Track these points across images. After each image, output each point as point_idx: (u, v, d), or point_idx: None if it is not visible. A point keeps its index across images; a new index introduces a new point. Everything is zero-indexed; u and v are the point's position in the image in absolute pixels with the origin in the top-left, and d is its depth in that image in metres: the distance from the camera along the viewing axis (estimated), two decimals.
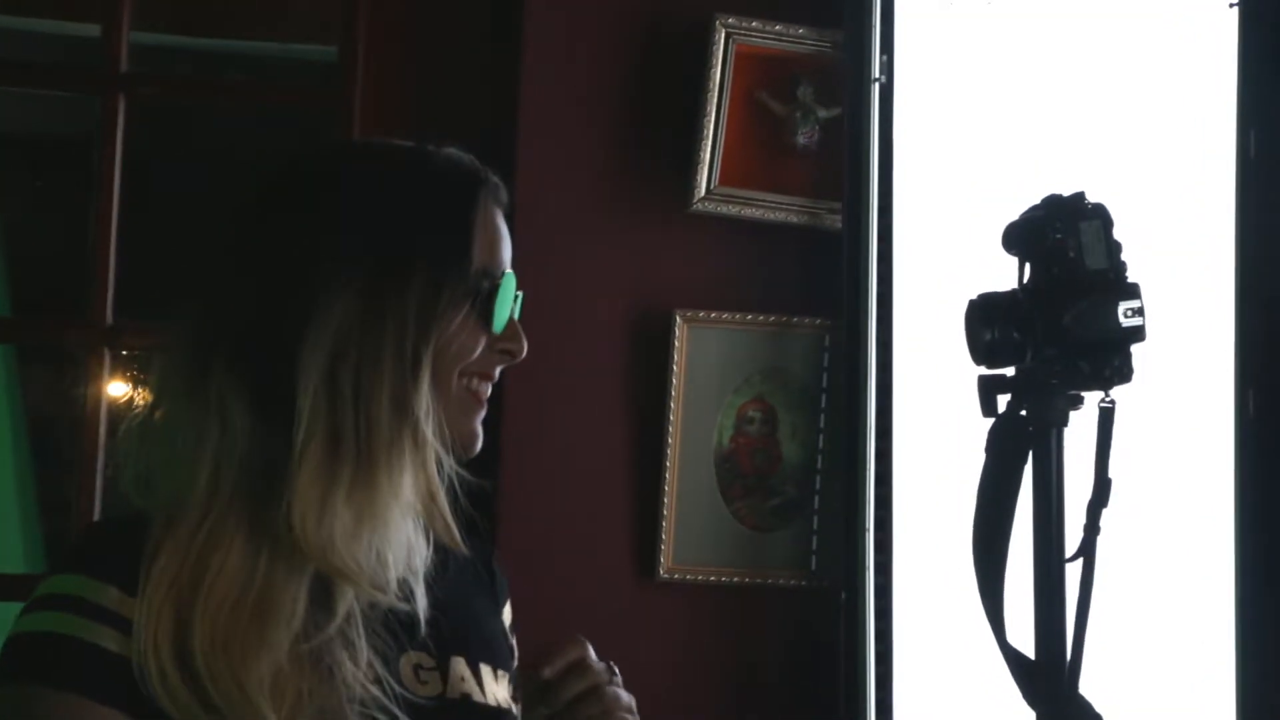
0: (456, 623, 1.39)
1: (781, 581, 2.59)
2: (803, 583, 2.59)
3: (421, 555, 1.32)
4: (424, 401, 1.28)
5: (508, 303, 1.35)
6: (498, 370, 1.37)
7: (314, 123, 3.01)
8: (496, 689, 1.41)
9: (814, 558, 2.59)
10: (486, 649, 1.43)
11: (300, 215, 1.31)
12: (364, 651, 1.28)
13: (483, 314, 1.33)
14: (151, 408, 1.32)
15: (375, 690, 1.27)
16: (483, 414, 1.36)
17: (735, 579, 2.58)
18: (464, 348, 1.32)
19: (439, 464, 1.30)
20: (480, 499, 1.36)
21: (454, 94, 2.68)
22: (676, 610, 2.59)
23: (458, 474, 1.32)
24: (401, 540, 1.30)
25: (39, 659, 1.23)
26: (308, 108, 2.97)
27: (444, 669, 1.36)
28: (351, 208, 1.31)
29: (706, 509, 2.58)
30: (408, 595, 1.30)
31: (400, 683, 1.30)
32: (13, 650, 1.25)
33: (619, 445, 2.60)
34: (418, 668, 1.34)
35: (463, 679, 1.37)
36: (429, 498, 1.30)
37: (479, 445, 1.36)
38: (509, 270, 1.36)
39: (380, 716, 1.27)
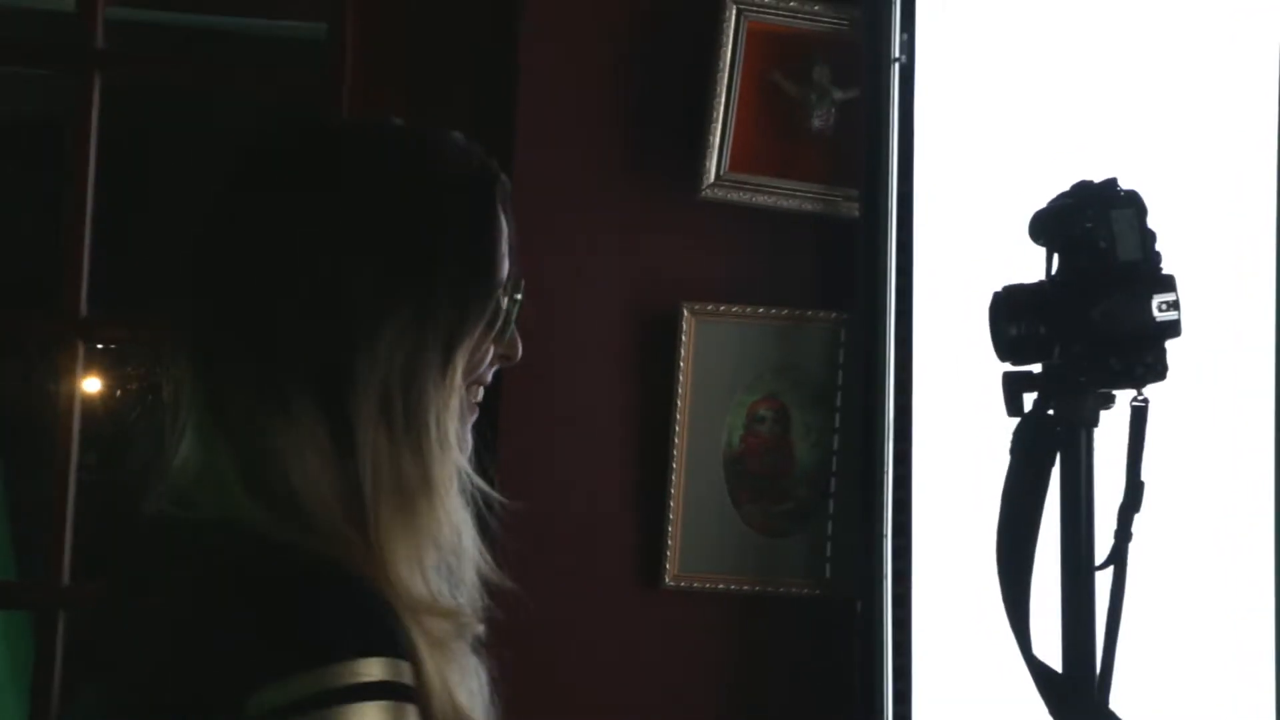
0: None
1: (794, 590, 2.59)
2: (816, 591, 2.59)
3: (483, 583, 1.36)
4: (456, 422, 1.31)
5: (514, 314, 1.38)
6: (491, 375, 1.40)
7: (302, 100, 3.00)
8: None
9: (828, 565, 2.59)
10: None
11: (340, 241, 1.30)
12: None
13: (503, 327, 1.36)
14: (225, 433, 1.29)
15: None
16: (474, 419, 1.39)
17: (745, 587, 2.58)
18: (480, 361, 1.35)
19: (473, 487, 1.34)
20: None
21: (449, 73, 2.68)
22: (683, 620, 2.59)
23: (491, 496, 1.36)
24: (473, 569, 1.34)
25: None
26: (295, 87, 2.96)
27: None
28: (387, 222, 1.30)
29: (715, 513, 2.58)
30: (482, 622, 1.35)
31: None
32: None
33: (622, 446, 2.60)
34: None
35: None
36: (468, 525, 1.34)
37: (468, 452, 1.38)
38: (521, 280, 1.39)
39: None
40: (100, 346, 4.24)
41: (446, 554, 1.30)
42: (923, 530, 2.44)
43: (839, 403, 2.59)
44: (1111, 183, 1.48)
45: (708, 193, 2.58)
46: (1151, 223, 1.47)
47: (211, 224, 1.35)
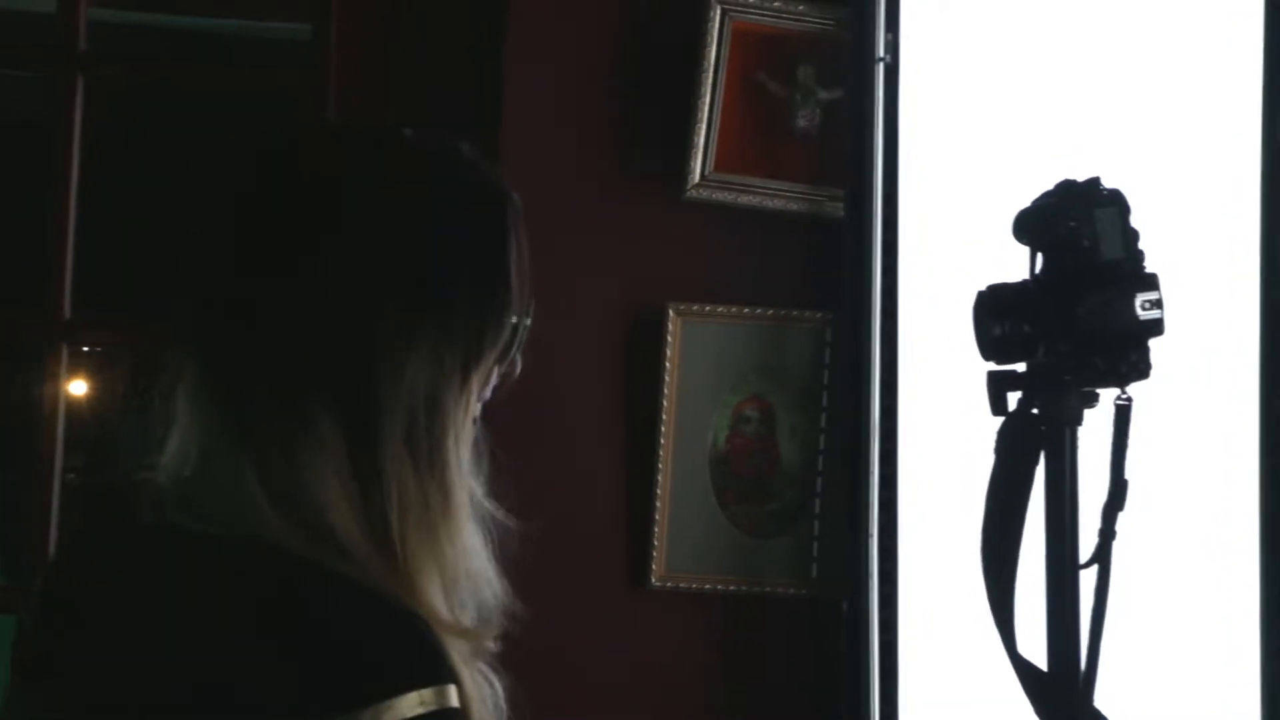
0: None
1: (780, 590, 2.59)
2: (803, 591, 2.59)
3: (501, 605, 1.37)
4: (468, 445, 1.32)
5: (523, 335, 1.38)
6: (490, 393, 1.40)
7: (286, 103, 3.00)
8: None
9: (815, 565, 2.59)
10: None
11: (365, 267, 1.28)
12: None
13: (511, 350, 1.36)
14: (265, 456, 1.27)
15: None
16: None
17: (731, 588, 2.58)
18: (487, 384, 1.36)
19: (485, 508, 1.36)
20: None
21: (434, 74, 2.68)
22: (669, 621, 2.59)
23: (503, 519, 1.38)
24: (492, 592, 1.35)
25: None
26: (280, 88, 2.96)
27: None
28: (411, 247, 1.29)
29: (701, 514, 2.57)
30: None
31: None
32: None
33: (608, 446, 2.60)
34: None
35: None
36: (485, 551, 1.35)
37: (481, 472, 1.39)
38: (531, 301, 1.39)
39: None
40: (87, 349, 4.24)
41: (468, 578, 1.31)
42: (909, 530, 2.44)
43: (825, 403, 2.59)
44: (1094, 182, 1.48)
45: (693, 193, 2.58)
46: (1134, 222, 1.47)
47: (224, 242, 1.33)
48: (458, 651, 1.26)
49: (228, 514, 1.26)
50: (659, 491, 2.57)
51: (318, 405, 1.26)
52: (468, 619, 1.31)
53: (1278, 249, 1.84)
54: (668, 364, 2.57)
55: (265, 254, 1.30)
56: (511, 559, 2.56)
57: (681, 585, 2.57)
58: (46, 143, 2.63)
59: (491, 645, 1.33)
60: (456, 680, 1.22)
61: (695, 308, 2.58)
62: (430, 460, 1.27)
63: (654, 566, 2.56)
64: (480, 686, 1.30)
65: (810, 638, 2.57)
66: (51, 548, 2.53)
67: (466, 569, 1.30)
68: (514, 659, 2.56)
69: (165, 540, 1.29)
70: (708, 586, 2.58)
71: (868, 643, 2.44)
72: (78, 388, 4.78)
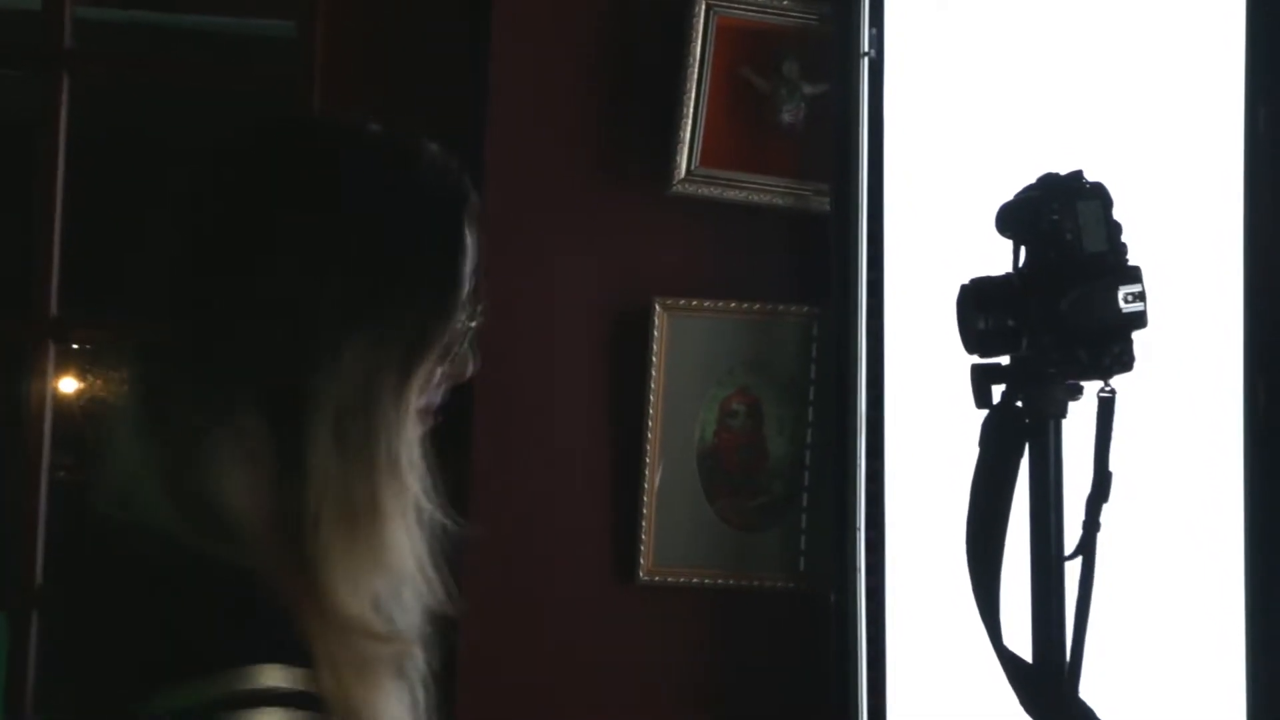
0: None
1: (768, 584, 2.59)
2: (791, 585, 2.59)
3: (426, 609, 1.35)
4: (410, 446, 1.30)
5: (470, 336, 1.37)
6: (441, 394, 1.39)
7: (272, 100, 2.99)
8: None
9: (802, 559, 2.59)
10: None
11: (306, 251, 1.28)
12: None
13: (457, 350, 1.35)
14: (168, 442, 1.28)
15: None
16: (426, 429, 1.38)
17: (719, 581, 2.58)
18: (430, 383, 1.34)
19: (421, 512, 1.32)
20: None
21: (419, 71, 2.68)
22: (658, 615, 2.58)
23: (444, 522, 1.35)
24: (414, 594, 1.32)
25: None
26: (266, 86, 2.96)
27: None
28: (358, 240, 1.29)
29: (688, 508, 2.57)
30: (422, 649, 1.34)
31: None
32: None
33: (595, 441, 2.60)
34: None
35: None
36: (418, 552, 1.32)
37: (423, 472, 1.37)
38: (481, 303, 1.38)
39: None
40: (76, 347, 4.23)
41: (390, 578, 1.28)
42: (896, 523, 2.44)
43: (812, 397, 2.59)
44: (1077, 175, 1.48)
45: (679, 188, 2.58)
46: (1117, 214, 1.47)
47: (174, 233, 1.34)
48: (365, 654, 1.24)
49: (136, 500, 1.28)
50: (646, 486, 2.56)
51: (242, 393, 1.26)
52: (385, 620, 1.28)
53: (1260, 241, 1.84)
54: (654, 359, 2.57)
55: (207, 243, 1.31)
56: (503, 554, 2.57)
57: (669, 580, 2.57)
58: (33, 141, 2.62)
59: (416, 655, 1.31)
60: (305, 665, 1.21)
61: (682, 302, 2.58)
62: (360, 454, 1.26)
63: (642, 561, 2.56)
64: (392, 703, 1.27)
65: (798, 631, 2.57)
66: (40, 545, 2.53)
67: (388, 567, 1.28)
68: (505, 651, 2.57)
69: (98, 533, 1.32)
70: (696, 581, 2.58)
71: (855, 636, 2.44)
72: (69, 386, 4.77)
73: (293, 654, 1.21)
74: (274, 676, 1.20)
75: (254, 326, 1.27)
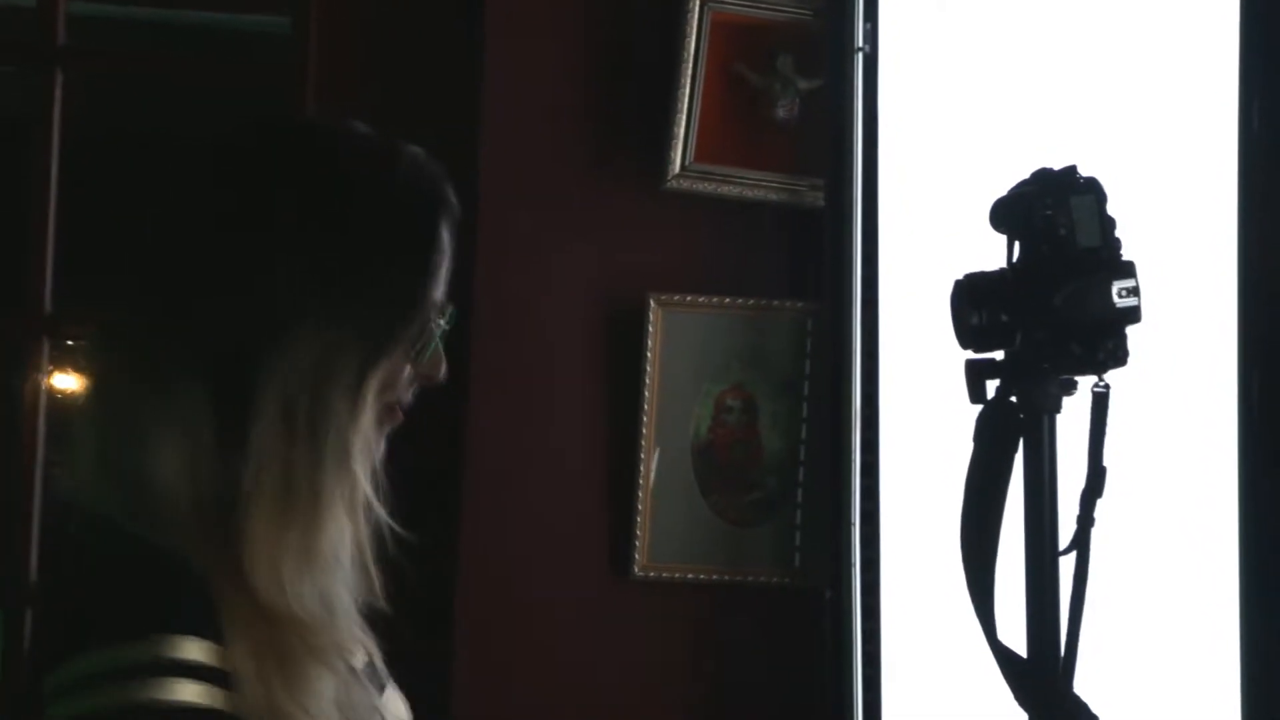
0: None
1: (763, 579, 2.59)
2: (785, 580, 2.59)
3: (360, 601, 1.34)
4: (361, 441, 1.30)
5: (440, 336, 1.37)
6: (411, 394, 1.39)
7: (267, 97, 2.99)
8: None
9: (797, 554, 2.59)
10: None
11: (271, 229, 1.30)
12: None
13: (420, 350, 1.35)
14: (114, 421, 1.30)
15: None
16: (392, 427, 1.38)
17: (714, 577, 2.58)
18: (393, 381, 1.34)
19: (367, 509, 1.32)
20: (407, 540, 1.37)
21: (413, 67, 2.67)
22: (652, 610, 2.59)
23: (387, 523, 1.34)
24: (347, 585, 1.32)
25: None
26: (260, 80, 2.95)
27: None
28: (324, 230, 1.30)
29: (683, 504, 2.57)
30: (352, 640, 1.33)
31: None
32: None
33: (590, 437, 2.60)
34: None
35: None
36: (356, 544, 1.32)
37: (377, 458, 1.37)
38: (452, 307, 1.38)
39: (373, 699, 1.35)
40: (71, 343, 4.22)
41: (322, 567, 1.28)
42: (891, 518, 2.44)
43: (806, 392, 2.59)
44: (1071, 170, 1.47)
45: (673, 184, 2.58)
46: (1111, 209, 1.47)
47: (139, 214, 1.35)
48: (286, 642, 1.24)
49: (80, 481, 1.30)
50: (641, 482, 2.56)
51: (185, 372, 1.26)
52: (314, 611, 1.28)
53: (1255, 235, 1.84)
54: (649, 354, 2.57)
55: (175, 215, 1.33)
56: (498, 549, 2.57)
57: (664, 575, 2.57)
58: (27, 137, 2.62)
59: (347, 650, 1.30)
60: (220, 641, 1.22)
61: (676, 298, 2.58)
62: (307, 440, 1.26)
63: (637, 556, 2.56)
64: (311, 697, 1.26)
65: (793, 626, 2.57)
66: (34, 542, 2.53)
67: (320, 555, 1.28)
68: (500, 646, 2.57)
69: (58, 514, 1.35)
70: (690, 576, 2.58)
71: (850, 631, 2.44)
72: (65, 382, 4.76)
73: (206, 629, 1.22)
74: (186, 649, 1.21)
75: (204, 306, 1.28)
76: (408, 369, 1.35)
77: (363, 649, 1.37)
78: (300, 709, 1.23)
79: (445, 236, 1.36)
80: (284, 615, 1.25)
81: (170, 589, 1.24)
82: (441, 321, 1.36)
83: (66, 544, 1.33)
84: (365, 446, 1.30)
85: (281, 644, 1.24)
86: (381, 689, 1.40)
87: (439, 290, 1.35)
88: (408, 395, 1.38)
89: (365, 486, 1.31)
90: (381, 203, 1.32)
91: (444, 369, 1.38)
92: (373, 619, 1.41)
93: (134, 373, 1.29)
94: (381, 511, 1.33)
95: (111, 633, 1.23)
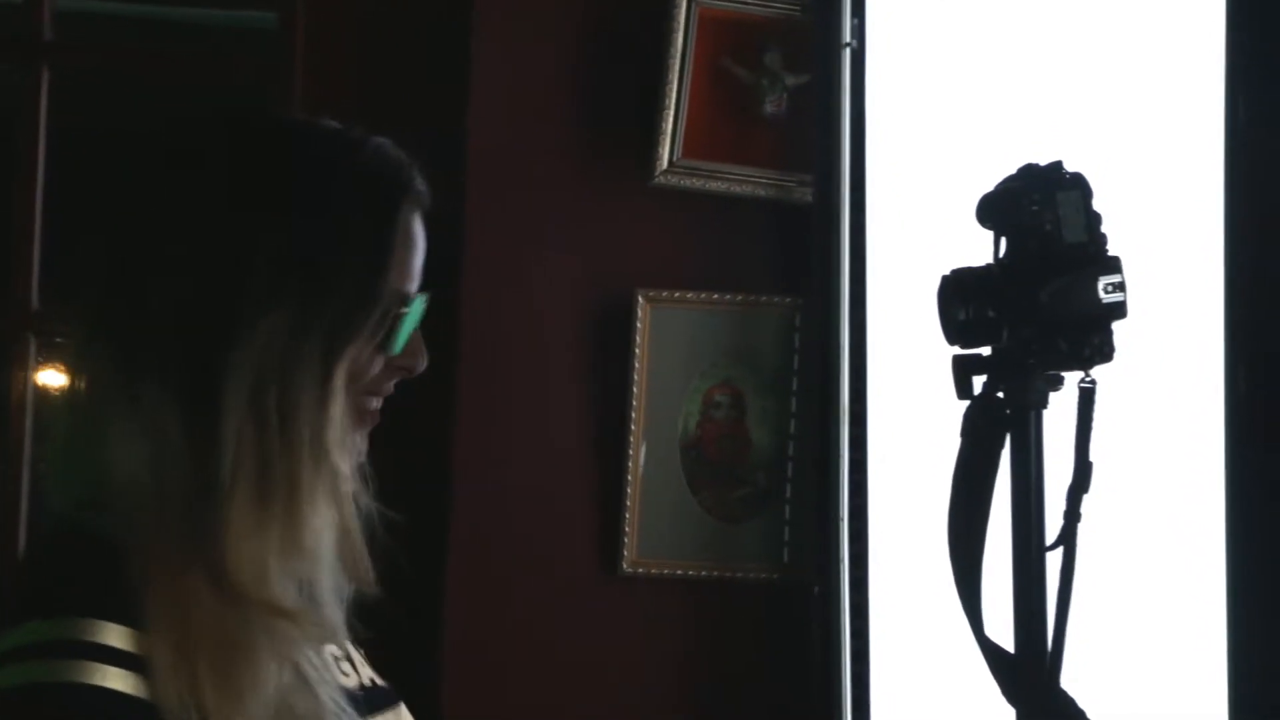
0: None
1: (752, 575, 2.59)
2: (774, 576, 2.59)
3: (345, 590, 1.33)
4: (337, 430, 1.29)
5: (412, 325, 1.36)
6: (391, 385, 1.38)
7: (254, 93, 2.99)
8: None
9: (786, 550, 2.59)
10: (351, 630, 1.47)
11: (231, 218, 1.29)
12: (318, 656, 1.32)
13: (387, 338, 1.34)
14: (73, 406, 1.31)
15: (333, 691, 1.31)
16: (370, 427, 1.38)
17: (703, 573, 2.58)
18: (363, 370, 1.34)
19: (355, 498, 1.32)
20: (396, 531, 1.37)
21: (401, 62, 2.67)
22: (641, 606, 2.59)
23: (375, 508, 1.34)
24: (330, 575, 1.31)
25: (68, 713, 1.19)
26: (247, 76, 2.95)
27: (349, 658, 1.42)
28: (282, 219, 1.30)
29: (672, 500, 2.57)
30: (337, 630, 1.33)
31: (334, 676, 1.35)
32: (31, 705, 1.19)
33: (579, 433, 2.60)
34: (335, 659, 1.38)
35: (362, 664, 1.43)
36: (344, 532, 1.31)
37: (361, 458, 1.37)
38: (420, 294, 1.37)
39: (342, 716, 1.31)
40: (60, 340, 4.21)
41: (300, 560, 1.28)
42: (879, 514, 2.44)
43: (795, 388, 2.59)
44: (1057, 165, 1.48)
45: (661, 179, 2.58)
46: (1097, 204, 1.47)
47: (113, 199, 1.35)
48: (239, 618, 1.24)
49: (48, 474, 1.32)
50: (630, 478, 2.56)
51: (147, 366, 1.27)
52: (291, 599, 1.27)
53: (1241, 231, 1.84)
54: (637, 350, 2.57)
55: (140, 209, 1.32)
56: (487, 546, 2.57)
57: (653, 571, 2.57)
58: (13, 134, 2.62)
59: (325, 636, 1.30)
60: (133, 625, 1.22)
61: (665, 294, 2.58)
62: (280, 431, 1.26)
63: (625, 552, 2.56)
64: (257, 687, 1.25)
65: (781, 622, 2.57)
66: (22, 538, 2.52)
67: (301, 545, 1.27)
68: (489, 641, 2.57)
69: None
70: (679, 572, 2.58)
71: (839, 626, 2.45)
72: (53, 379, 4.75)
73: (127, 616, 1.22)
74: (101, 633, 1.21)
75: (165, 301, 1.27)
76: (379, 359, 1.34)
77: (360, 671, 1.38)
78: (226, 704, 1.22)
79: (409, 223, 1.35)
80: (263, 603, 1.25)
81: (93, 574, 1.25)
82: (406, 309, 1.34)
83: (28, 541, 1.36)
84: (341, 437, 1.29)
85: (224, 638, 1.24)
86: (372, 711, 1.39)
87: (405, 278, 1.35)
88: (387, 387, 1.37)
89: (348, 477, 1.30)
90: (338, 190, 1.32)
91: (424, 359, 1.38)
92: (366, 616, 1.41)
93: (97, 367, 1.30)
94: (368, 500, 1.33)
95: (22, 613, 1.23)
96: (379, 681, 1.45)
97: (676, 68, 2.56)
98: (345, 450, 1.30)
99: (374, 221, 1.33)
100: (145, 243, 1.30)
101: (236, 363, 1.26)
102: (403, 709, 1.46)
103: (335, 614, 1.32)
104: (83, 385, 1.31)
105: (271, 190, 1.30)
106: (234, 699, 1.22)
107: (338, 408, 1.29)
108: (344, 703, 1.31)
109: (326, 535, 1.29)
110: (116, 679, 1.20)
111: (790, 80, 2.59)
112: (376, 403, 1.37)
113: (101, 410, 1.28)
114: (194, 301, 1.27)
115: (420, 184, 1.37)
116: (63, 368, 1.37)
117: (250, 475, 1.25)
